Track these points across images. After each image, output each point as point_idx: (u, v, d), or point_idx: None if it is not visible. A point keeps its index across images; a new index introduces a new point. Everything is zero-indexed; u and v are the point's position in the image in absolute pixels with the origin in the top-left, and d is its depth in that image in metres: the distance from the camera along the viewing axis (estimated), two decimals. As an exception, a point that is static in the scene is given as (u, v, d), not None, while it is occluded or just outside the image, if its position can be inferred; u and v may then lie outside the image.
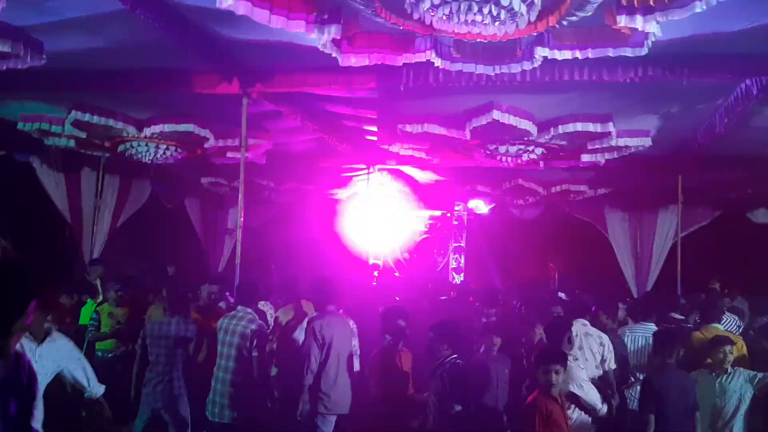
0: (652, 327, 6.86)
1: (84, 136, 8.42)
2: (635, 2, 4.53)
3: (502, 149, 8.46)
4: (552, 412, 4.83)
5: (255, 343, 6.04)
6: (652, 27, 4.74)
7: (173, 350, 6.32)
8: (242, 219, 7.32)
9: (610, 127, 7.51)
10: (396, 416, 5.82)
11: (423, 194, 12.79)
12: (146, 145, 8.45)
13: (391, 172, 11.35)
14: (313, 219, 13.74)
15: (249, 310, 6.23)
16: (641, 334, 6.87)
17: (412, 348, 6.19)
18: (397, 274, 12.67)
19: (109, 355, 7.74)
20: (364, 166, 10.84)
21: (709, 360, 5.91)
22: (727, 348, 5.81)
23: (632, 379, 6.79)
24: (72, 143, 8.68)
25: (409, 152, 9.24)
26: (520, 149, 8.45)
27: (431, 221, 14.62)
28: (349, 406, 6.10)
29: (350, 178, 12.00)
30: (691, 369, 5.95)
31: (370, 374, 6.13)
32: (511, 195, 11.77)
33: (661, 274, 12.28)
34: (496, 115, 7.12)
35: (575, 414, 5.57)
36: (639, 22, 4.60)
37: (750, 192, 10.68)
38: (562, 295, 8.36)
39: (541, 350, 5.15)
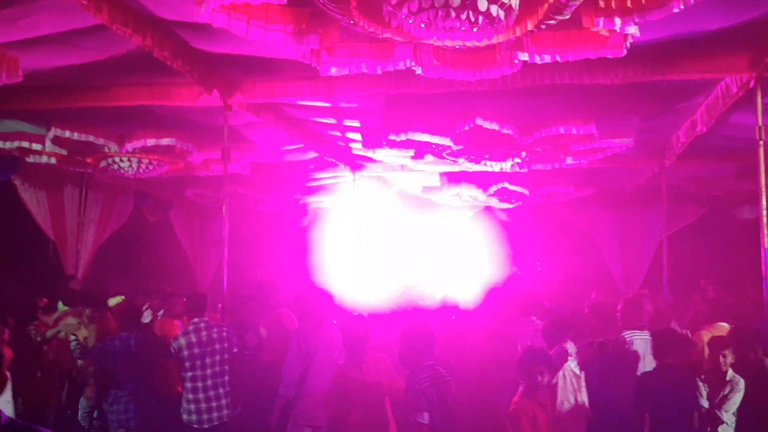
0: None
1: (65, 153, 8.35)
2: (613, 4, 4.54)
3: (487, 154, 8.47)
4: (538, 416, 4.82)
5: (233, 341, 6.42)
6: (630, 28, 4.75)
7: (142, 367, 6.46)
8: (227, 230, 7.27)
9: (592, 129, 7.52)
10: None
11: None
12: (128, 159, 8.38)
13: (377, 179, 11.35)
14: (298, 229, 13.72)
15: (205, 319, 6.41)
16: (639, 337, 6.82)
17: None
18: None
19: None
20: (348, 174, 10.81)
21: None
22: (725, 351, 5.64)
23: None
24: (53, 160, 8.59)
25: (394, 159, 9.23)
26: (504, 153, 8.46)
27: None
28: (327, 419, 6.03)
29: (335, 184, 11.98)
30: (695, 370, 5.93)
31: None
32: (497, 198, 11.75)
33: (649, 272, 12.32)
34: (479, 121, 7.12)
35: (567, 402, 5.60)
36: (617, 24, 4.60)
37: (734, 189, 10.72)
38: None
39: (525, 353, 5.12)
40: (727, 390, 5.60)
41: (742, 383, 5.62)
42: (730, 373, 5.66)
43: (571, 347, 5.76)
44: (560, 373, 5.73)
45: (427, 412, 4.78)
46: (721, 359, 5.61)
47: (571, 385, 5.79)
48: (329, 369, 5.89)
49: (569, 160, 8.95)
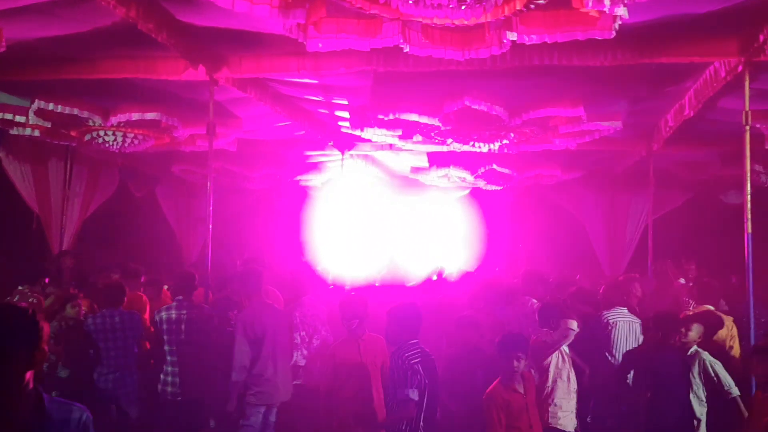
0: (625, 311, 6.89)
1: (49, 126, 8.24)
2: (602, -16, 4.50)
3: (475, 135, 8.44)
4: (510, 402, 4.87)
5: (214, 321, 6.67)
6: (619, 10, 4.71)
7: (126, 342, 6.67)
8: (212, 207, 7.24)
9: (581, 112, 7.50)
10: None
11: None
12: (113, 133, 8.28)
13: (365, 158, 11.31)
14: (286, 207, 13.67)
15: (191, 298, 6.67)
16: (622, 319, 6.86)
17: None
18: None
19: None
20: (336, 152, 10.75)
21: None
22: (691, 326, 5.89)
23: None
24: (37, 133, 8.48)
25: (382, 138, 9.18)
26: (492, 134, 8.43)
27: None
28: (281, 398, 6.18)
29: (323, 163, 11.93)
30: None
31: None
32: (484, 180, 11.75)
33: (634, 256, 12.38)
34: (468, 101, 7.07)
35: (560, 380, 5.68)
36: (606, 5, 4.56)
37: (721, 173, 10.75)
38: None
39: (503, 338, 5.17)
40: (696, 368, 5.72)
41: (706, 355, 5.80)
42: (693, 348, 5.86)
43: (573, 324, 5.80)
44: (556, 352, 5.80)
45: (416, 389, 4.79)
46: (683, 330, 5.77)
47: (563, 363, 5.87)
48: (279, 351, 6.11)
49: (557, 143, 8.94)
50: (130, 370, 6.76)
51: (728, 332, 6.68)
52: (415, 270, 9.15)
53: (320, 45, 5.37)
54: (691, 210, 12.53)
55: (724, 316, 6.73)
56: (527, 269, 7.79)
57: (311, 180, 12.92)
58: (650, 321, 6.30)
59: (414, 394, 4.76)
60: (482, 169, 10.91)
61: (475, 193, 13.36)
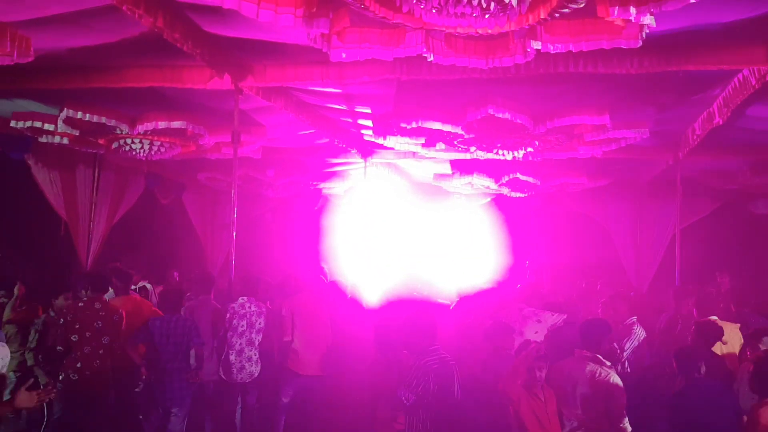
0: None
1: (77, 134, 8.37)
2: (628, -7, 4.45)
3: (499, 143, 8.40)
4: (536, 409, 4.99)
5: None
6: (646, 18, 4.66)
7: (178, 348, 6.75)
8: (237, 214, 7.30)
9: (606, 120, 7.43)
10: None
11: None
12: (140, 141, 8.38)
13: (388, 165, 11.31)
14: (309, 214, 13.72)
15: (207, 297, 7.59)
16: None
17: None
18: None
19: None
20: (359, 160, 10.77)
21: None
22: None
23: None
24: (66, 141, 8.62)
25: (405, 146, 9.18)
26: (516, 142, 8.38)
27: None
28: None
29: (346, 171, 11.95)
30: None
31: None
32: (509, 187, 11.67)
33: (662, 265, 12.21)
34: (491, 110, 7.04)
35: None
36: (632, 14, 4.52)
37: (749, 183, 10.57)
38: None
39: (528, 352, 5.26)
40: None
41: None
42: None
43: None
44: None
45: (414, 395, 4.94)
46: None
47: None
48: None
49: (583, 151, 8.85)
50: (179, 375, 6.75)
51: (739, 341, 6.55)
52: (437, 283, 9.14)
53: (344, 55, 5.39)
54: (719, 219, 12.33)
55: (731, 324, 6.64)
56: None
57: (334, 187, 12.94)
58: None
59: (406, 399, 4.98)
60: (506, 177, 10.84)
61: (499, 200, 13.29)
